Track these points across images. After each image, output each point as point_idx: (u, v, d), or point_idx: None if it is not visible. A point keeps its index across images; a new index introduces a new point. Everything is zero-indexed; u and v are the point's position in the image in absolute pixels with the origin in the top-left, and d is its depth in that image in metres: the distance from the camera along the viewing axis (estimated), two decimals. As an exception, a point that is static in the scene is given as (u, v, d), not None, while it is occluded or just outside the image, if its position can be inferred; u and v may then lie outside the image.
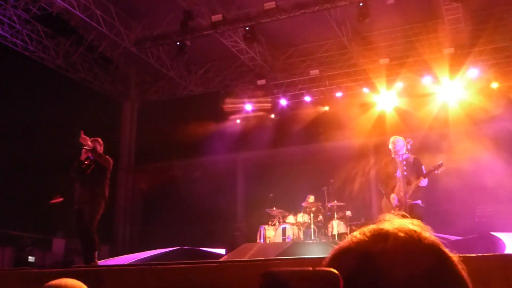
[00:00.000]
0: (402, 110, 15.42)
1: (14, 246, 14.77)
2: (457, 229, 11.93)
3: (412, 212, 6.90)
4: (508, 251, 8.92)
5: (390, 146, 7.33)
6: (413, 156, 7.22)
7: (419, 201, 7.07)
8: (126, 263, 10.82)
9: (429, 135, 14.97)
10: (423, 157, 12.94)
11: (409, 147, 7.12)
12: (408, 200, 6.95)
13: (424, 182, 7.05)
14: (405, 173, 7.06)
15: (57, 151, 15.87)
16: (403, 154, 7.17)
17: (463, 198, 12.87)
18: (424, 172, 7.06)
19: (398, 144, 7.21)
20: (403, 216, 1.00)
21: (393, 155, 7.35)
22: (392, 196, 7.17)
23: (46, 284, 1.91)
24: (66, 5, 13.75)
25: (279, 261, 5.84)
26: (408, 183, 7.06)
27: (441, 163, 7.09)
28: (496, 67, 14.79)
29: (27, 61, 15.54)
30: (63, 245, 16.08)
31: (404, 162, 7.14)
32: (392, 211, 7.18)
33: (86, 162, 8.14)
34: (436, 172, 7.07)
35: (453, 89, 14.97)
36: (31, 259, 14.50)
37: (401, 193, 7.05)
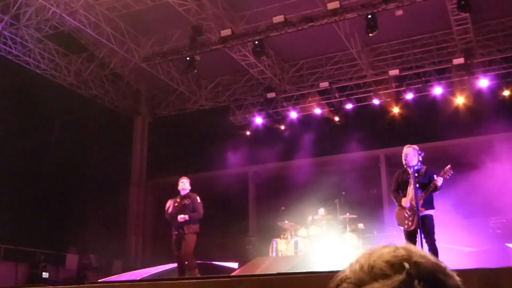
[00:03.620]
0: (412, 120, 15.38)
1: (27, 262, 14.85)
2: (472, 240, 11.84)
3: (424, 223, 6.87)
4: (523, 262, 8.83)
5: (403, 158, 7.33)
6: (425, 167, 7.19)
7: (431, 213, 7.02)
8: (138, 278, 10.82)
9: (440, 145, 14.93)
10: (435, 166, 12.92)
11: (420, 159, 7.09)
12: (421, 209, 6.92)
13: (439, 180, 7.01)
14: (417, 184, 7.04)
15: (70, 167, 15.99)
16: (414, 165, 7.15)
17: (477, 209, 12.77)
18: (436, 179, 7.04)
19: (409, 156, 7.20)
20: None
21: (405, 166, 7.34)
22: (404, 200, 7.15)
23: None
24: (77, 24, 13.94)
25: (292, 275, 5.82)
26: (414, 194, 7.05)
27: (449, 167, 7.07)
28: (507, 76, 14.77)
29: (39, 79, 15.72)
30: (76, 261, 16.14)
31: (416, 174, 7.12)
32: (406, 221, 7.14)
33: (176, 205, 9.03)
34: (445, 177, 7.05)
35: (464, 98, 14.95)
36: (45, 275, 14.55)
37: (413, 202, 7.04)
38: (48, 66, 15.80)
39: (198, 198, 9.10)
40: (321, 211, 11.76)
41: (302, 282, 5.03)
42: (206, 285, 5.68)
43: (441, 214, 7.77)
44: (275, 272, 7.40)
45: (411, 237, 7.11)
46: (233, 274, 9.46)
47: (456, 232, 11.79)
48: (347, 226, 11.38)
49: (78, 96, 16.97)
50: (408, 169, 7.23)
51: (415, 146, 7.34)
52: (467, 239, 11.78)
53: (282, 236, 11.71)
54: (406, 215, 7.13)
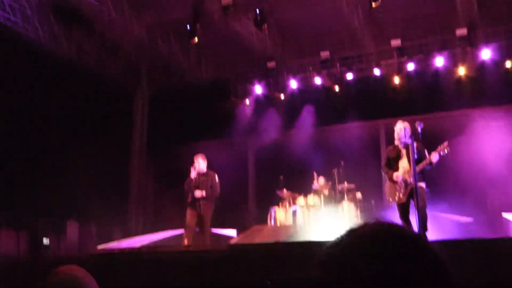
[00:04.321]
0: (413, 91, 15.32)
1: (28, 230, 14.98)
2: (469, 210, 11.93)
3: (416, 194, 6.91)
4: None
5: (395, 133, 7.36)
6: (416, 143, 7.17)
7: (423, 184, 7.06)
8: (138, 245, 10.96)
9: (442, 116, 14.91)
10: (436, 138, 12.93)
11: (419, 130, 7.07)
12: (412, 182, 6.95)
13: (435, 157, 7.02)
14: (408, 159, 7.08)
15: (70, 139, 16.01)
16: (406, 141, 7.18)
17: (474, 180, 12.82)
18: (427, 155, 7.07)
19: (401, 133, 7.23)
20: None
21: (396, 142, 7.38)
22: (396, 174, 7.19)
23: (53, 271, 1.94)
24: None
25: (289, 244, 5.89)
26: (412, 166, 7.06)
27: (447, 143, 7.07)
28: (511, 47, 14.65)
29: (38, 51, 15.59)
30: (77, 229, 16.29)
31: (407, 149, 7.16)
32: (396, 194, 7.20)
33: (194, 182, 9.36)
34: (441, 154, 7.04)
35: (466, 69, 14.87)
36: (46, 242, 14.70)
37: (406, 175, 7.08)
38: (47, 37, 15.65)
39: (216, 176, 9.45)
40: (320, 180, 11.83)
41: (299, 251, 5.09)
42: (204, 253, 5.75)
43: (438, 184, 7.82)
44: (272, 241, 7.48)
45: (404, 209, 7.17)
46: (231, 242, 9.58)
47: (452, 202, 11.89)
48: (345, 195, 11.47)
49: (77, 67, 16.85)
50: (399, 145, 7.27)
51: (407, 123, 7.35)
52: (464, 209, 11.88)
53: (280, 205, 11.81)
54: (397, 187, 7.18)
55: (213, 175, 9.40)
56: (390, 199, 7.28)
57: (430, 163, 6.98)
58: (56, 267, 1.96)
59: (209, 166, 9.63)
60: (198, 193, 9.06)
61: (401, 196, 7.10)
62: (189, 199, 9.23)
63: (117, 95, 18.62)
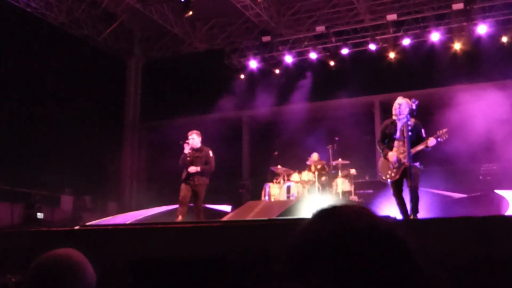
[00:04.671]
0: (409, 67, 15.24)
1: (23, 203, 14.97)
2: (462, 187, 11.99)
3: (409, 173, 6.94)
4: (512, 209, 8.98)
5: (393, 109, 7.33)
6: (413, 120, 7.14)
7: (417, 164, 7.06)
8: (132, 220, 10.98)
9: (437, 92, 14.87)
10: (431, 113, 12.92)
11: (414, 107, 7.03)
12: (406, 162, 6.98)
13: (432, 141, 7.04)
14: (405, 137, 7.06)
15: (62, 109, 15.89)
16: (404, 117, 7.16)
17: (468, 156, 12.85)
18: (424, 135, 7.08)
19: (400, 108, 7.19)
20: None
21: (394, 117, 7.35)
22: (391, 154, 7.19)
23: (49, 254, 1.91)
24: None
25: (282, 221, 5.90)
26: (407, 146, 7.08)
27: (446, 130, 7.07)
28: (507, 22, 14.57)
29: (30, 17, 15.36)
30: (71, 202, 16.30)
31: (404, 126, 7.14)
32: (389, 171, 7.22)
33: (188, 158, 9.29)
34: (439, 140, 7.05)
35: (462, 44, 14.79)
36: (40, 215, 14.70)
37: (400, 155, 7.10)
38: (38, 4, 15.39)
39: (211, 152, 9.44)
40: (314, 156, 11.83)
41: (292, 228, 5.11)
42: (198, 230, 5.76)
43: (432, 160, 7.84)
44: (266, 218, 7.51)
45: (397, 187, 7.21)
46: (225, 218, 9.61)
47: (446, 179, 11.94)
48: (340, 171, 11.49)
49: (69, 36, 16.64)
50: (396, 121, 7.25)
51: (406, 99, 7.31)
52: (458, 186, 11.93)
53: (275, 180, 11.82)
54: (391, 166, 7.20)
55: (208, 151, 9.41)
56: (383, 176, 7.30)
57: (426, 146, 6.99)
58: (52, 250, 1.93)
59: (203, 142, 9.64)
60: (193, 169, 9.09)
61: (393, 174, 7.12)
62: (184, 175, 9.25)
63: (110, 64, 18.46)
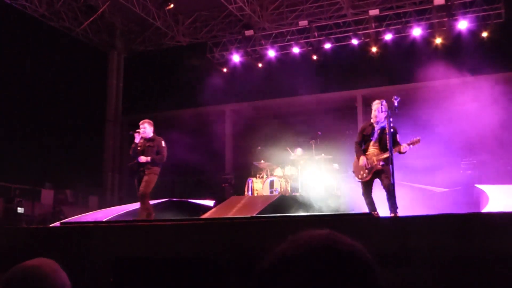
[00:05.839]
0: (391, 61, 15.33)
1: (2, 197, 14.80)
2: (443, 181, 12.10)
3: (382, 172, 7.06)
4: (491, 203, 9.09)
5: (373, 112, 7.41)
6: (391, 126, 7.21)
7: (389, 167, 7.15)
8: (113, 215, 10.88)
9: (417, 87, 14.98)
10: (411, 108, 13.01)
11: (396, 104, 7.09)
12: (379, 166, 7.14)
13: (405, 148, 7.15)
14: (380, 140, 7.20)
15: (44, 102, 15.72)
16: (382, 121, 7.26)
17: (448, 150, 12.98)
18: (398, 141, 7.18)
19: (378, 114, 7.28)
20: None
21: (372, 120, 7.43)
22: (362, 158, 7.31)
23: (18, 266, 1.86)
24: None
25: (264, 219, 5.90)
26: (382, 150, 7.20)
27: (419, 139, 7.18)
28: (487, 18, 14.73)
29: (10, 10, 15.12)
30: (51, 196, 16.16)
31: (380, 131, 7.26)
32: (361, 172, 7.35)
33: (139, 147, 8.94)
34: (411, 147, 7.18)
35: (442, 39, 14.91)
36: (20, 210, 14.54)
37: (374, 157, 7.23)
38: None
39: (163, 142, 9.01)
40: (298, 151, 11.84)
41: (274, 226, 5.11)
42: (180, 227, 5.73)
43: (413, 155, 7.92)
44: (248, 216, 7.51)
45: (366, 187, 7.34)
46: (207, 213, 9.57)
47: (427, 173, 12.04)
48: (323, 166, 11.51)
49: (50, 28, 16.41)
50: (374, 124, 7.36)
51: (381, 101, 7.39)
52: (439, 180, 12.04)
53: (258, 175, 11.81)
54: (364, 167, 7.32)
55: (160, 141, 8.98)
56: (356, 176, 7.47)
57: (399, 151, 7.13)
58: (22, 262, 1.88)
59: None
60: (143, 159, 8.73)
61: (365, 175, 7.29)
62: (134, 166, 8.87)
63: (92, 57, 18.26)
